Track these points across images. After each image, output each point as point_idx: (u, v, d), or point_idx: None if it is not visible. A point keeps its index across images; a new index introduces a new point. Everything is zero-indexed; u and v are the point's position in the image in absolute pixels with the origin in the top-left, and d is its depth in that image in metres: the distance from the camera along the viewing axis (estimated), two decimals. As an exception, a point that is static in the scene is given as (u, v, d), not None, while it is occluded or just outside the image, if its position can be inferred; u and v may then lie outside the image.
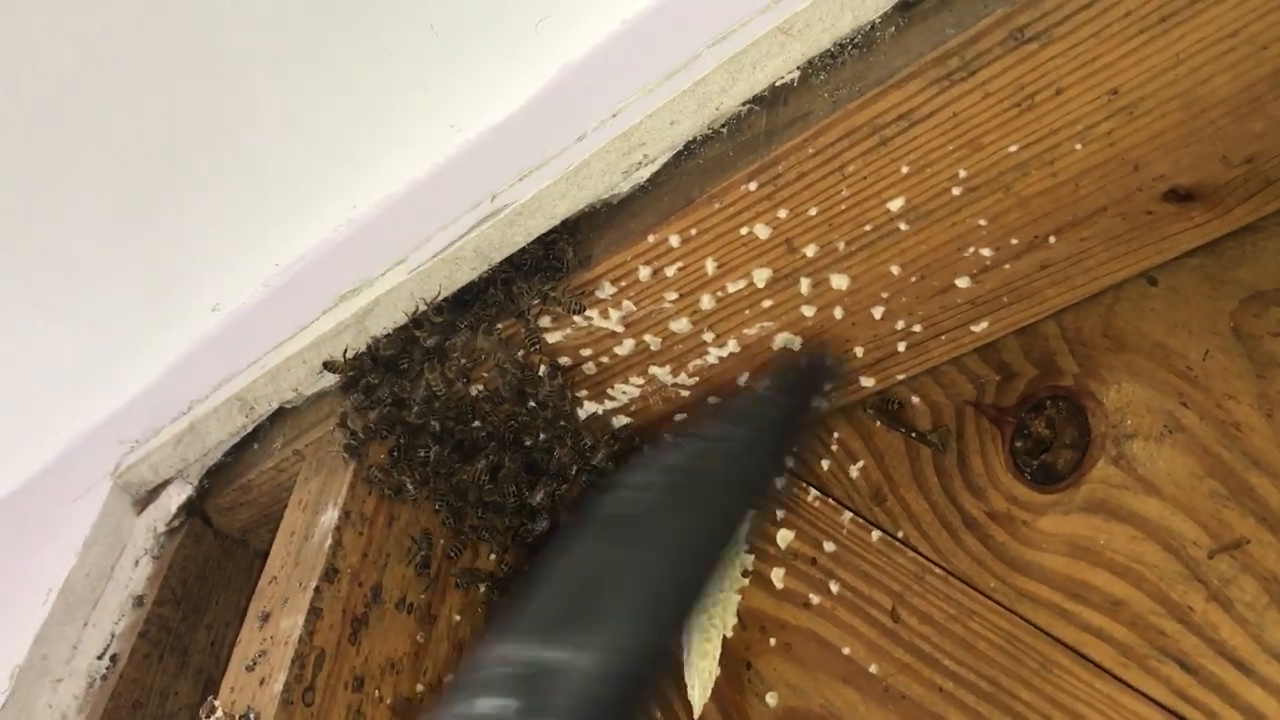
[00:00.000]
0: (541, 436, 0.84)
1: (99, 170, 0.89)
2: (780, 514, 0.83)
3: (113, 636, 0.91)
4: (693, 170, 0.74)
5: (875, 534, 0.77)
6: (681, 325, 0.79)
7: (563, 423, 0.84)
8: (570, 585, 0.61)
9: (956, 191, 0.68)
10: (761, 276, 0.75)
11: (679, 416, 0.86)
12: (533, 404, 0.83)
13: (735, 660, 0.79)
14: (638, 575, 0.59)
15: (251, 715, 0.69)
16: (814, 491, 0.82)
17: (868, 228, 0.71)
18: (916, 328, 0.77)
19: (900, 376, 0.81)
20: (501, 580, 0.84)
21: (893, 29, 0.66)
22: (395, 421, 0.82)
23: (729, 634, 0.80)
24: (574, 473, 0.84)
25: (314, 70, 0.84)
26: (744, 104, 0.70)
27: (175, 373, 1.02)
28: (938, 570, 0.73)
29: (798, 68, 0.68)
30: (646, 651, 0.56)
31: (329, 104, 0.86)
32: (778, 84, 0.69)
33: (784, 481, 0.84)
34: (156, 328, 1.02)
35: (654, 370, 0.82)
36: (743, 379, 0.82)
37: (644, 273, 0.76)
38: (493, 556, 0.86)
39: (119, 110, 0.85)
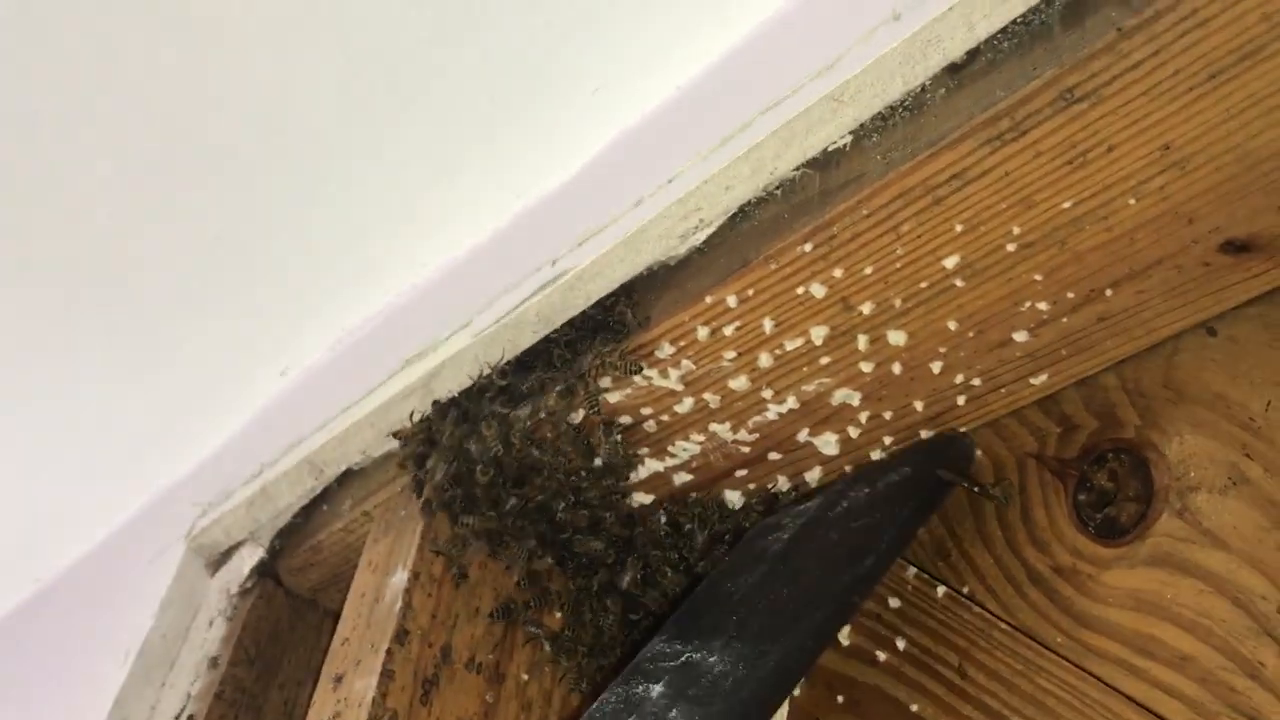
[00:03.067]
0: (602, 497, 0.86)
1: (171, 242, 0.92)
2: (843, 568, 0.83)
3: (189, 697, 0.93)
4: (748, 232, 0.75)
5: (940, 589, 0.78)
6: (740, 383, 0.79)
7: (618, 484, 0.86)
8: (715, 600, 0.76)
9: (1011, 248, 0.69)
10: (819, 334, 0.76)
11: (740, 473, 0.86)
12: (596, 462, 0.85)
13: (803, 719, 0.79)
14: (766, 603, 0.72)
15: (327, 777, 0.71)
16: (876, 546, 0.82)
17: (923, 285, 0.72)
18: (976, 381, 0.78)
19: (961, 430, 0.82)
20: (566, 641, 0.85)
21: (943, 91, 0.67)
22: (461, 478, 0.83)
23: (796, 693, 0.81)
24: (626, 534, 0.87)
25: (377, 140, 0.87)
26: (797, 168, 0.72)
27: (246, 436, 1.05)
28: (1004, 625, 0.73)
29: (850, 132, 0.70)
30: (769, 666, 0.66)
31: (392, 172, 0.89)
32: (830, 148, 0.71)
33: (901, 547, 0.78)
34: (227, 392, 1.05)
35: (714, 427, 0.83)
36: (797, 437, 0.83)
37: (702, 332, 0.77)
38: (558, 615, 0.87)
39: (194, 184, 0.88)
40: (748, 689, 0.65)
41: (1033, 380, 0.77)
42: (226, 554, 1.02)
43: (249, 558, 0.99)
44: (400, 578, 0.81)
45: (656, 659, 0.74)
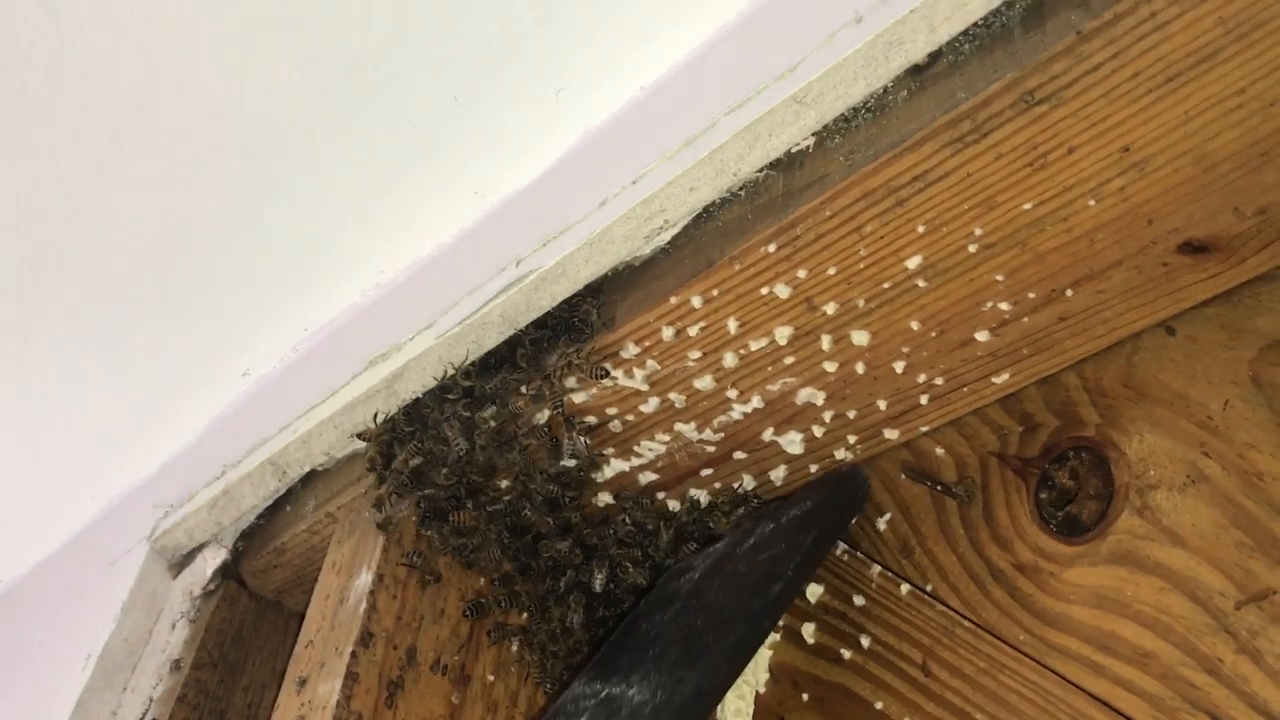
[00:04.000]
0: (568, 497, 0.86)
1: (133, 240, 0.91)
2: (808, 567, 0.83)
3: (151, 701, 0.92)
4: (712, 232, 0.75)
5: (904, 587, 0.78)
6: (705, 383, 0.80)
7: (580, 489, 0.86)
8: (632, 640, 0.78)
9: (973, 249, 0.69)
10: (783, 334, 0.76)
11: (705, 472, 0.86)
12: (561, 463, 0.85)
13: (768, 716, 0.80)
14: (681, 635, 0.73)
15: (291, 781, 0.70)
16: (842, 545, 0.83)
17: (886, 285, 0.72)
18: (938, 380, 0.78)
19: (924, 428, 0.82)
20: (532, 635, 0.85)
21: (905, 93, 0.67)
22: (424, 482, 0.83)
23: (761, 690, 0.81)
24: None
25: (341, 141, 0.86)
26: (761, 170, 0.72)
27: (208, 437, 1.04)
28: (967, 623, 0.74)
29: (813, 134, 0.70)
30: (687, 692, 0.68)
31: (356, 173, 0.88)
32: (793, 150, 0.71)
33: (807, 573, 0.82)
34: (189, 393, 1.04)
35: (679, 427, 0.83)
36: (767, 433, 0.83)
37: (667, 333, 0.77)
38: (525, 615, 0.87)
39: (153, 184, 0.87)
40: (667, 713, 0.68)
41: (995, 379, 0.78)
42: (189, 556, 1.01)
43: (212, 559, 0.99)
44: (365, 579, 0.80)
45: (577, 699, 0.75)
